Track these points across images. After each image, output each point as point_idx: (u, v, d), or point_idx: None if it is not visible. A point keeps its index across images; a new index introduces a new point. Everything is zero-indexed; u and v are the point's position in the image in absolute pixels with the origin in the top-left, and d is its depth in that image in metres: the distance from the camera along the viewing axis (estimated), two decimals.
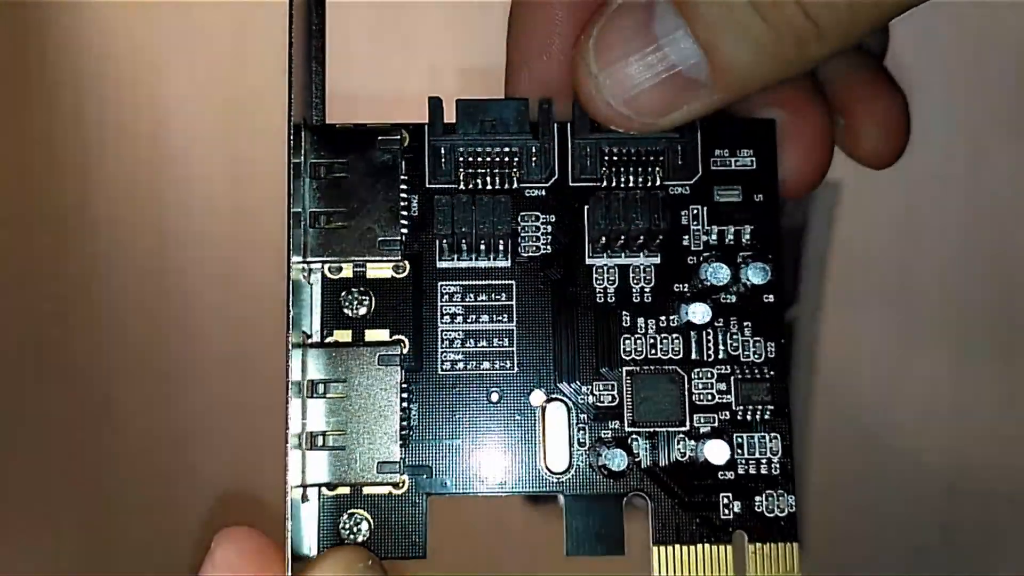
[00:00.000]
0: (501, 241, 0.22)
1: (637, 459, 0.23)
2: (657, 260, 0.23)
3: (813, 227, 0.43)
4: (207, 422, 0.44)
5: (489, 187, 0.23)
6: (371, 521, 0.23)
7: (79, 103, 0.41)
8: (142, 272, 0.43)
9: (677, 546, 0.23)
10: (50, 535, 0.45)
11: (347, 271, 0.22)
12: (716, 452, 0.22)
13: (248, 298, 0.43)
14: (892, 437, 0.46)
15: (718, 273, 0.22)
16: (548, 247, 0.23)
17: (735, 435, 0.23)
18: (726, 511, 0.23)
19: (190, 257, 0.43)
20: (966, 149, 0.43)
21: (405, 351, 0.22)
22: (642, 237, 0.22)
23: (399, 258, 0.22)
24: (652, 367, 0.23)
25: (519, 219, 0.23)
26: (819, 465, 0.46)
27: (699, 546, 0.23)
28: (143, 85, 0.41)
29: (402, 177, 0.22)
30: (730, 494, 0.23)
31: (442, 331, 0.22)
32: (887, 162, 0.26)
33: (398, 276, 0.22)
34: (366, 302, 0.22)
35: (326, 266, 0.22)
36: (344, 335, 0.22)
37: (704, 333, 0.23)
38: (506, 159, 0.22)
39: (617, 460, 0.22)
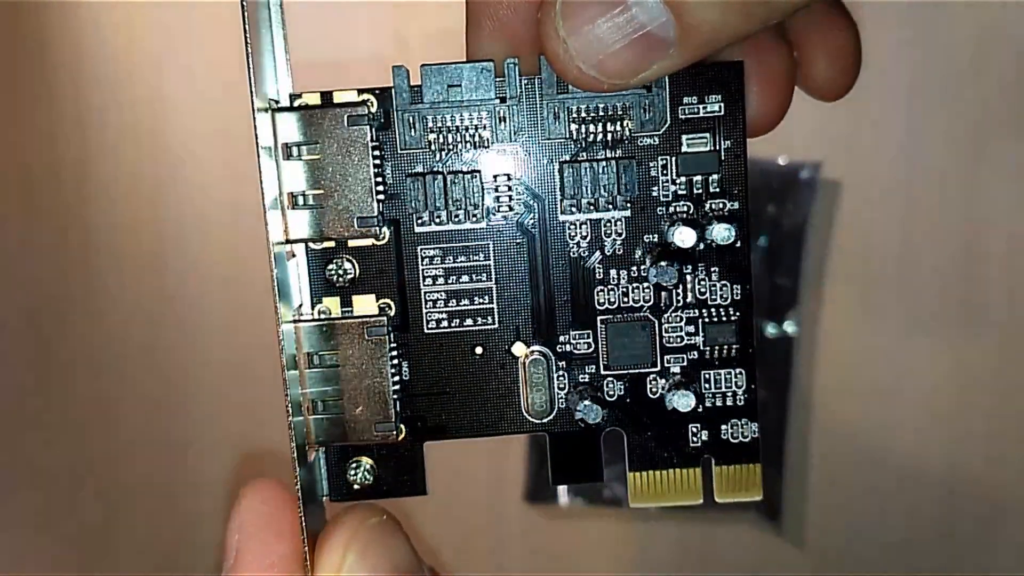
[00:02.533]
0: (474, 205, 0.23)
1: (612, 399, 0.24)
2: (628, 213, 0.24)
3: (813, 227, 0.43)
4: (207, 422, 0.44)
5: (459, 151, 0.23)
6: (374, 466, 0.24)
7: (79, 103, 0.41)
8: (142, 271, 0.43)
9: (650, 471, 0.25)
10: (51, 535, 0.45)
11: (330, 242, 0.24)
12: (683, 402, 0.24)
13: (248, 297, 0.43)
14: (892, 436, 0.46)
15: (684, 237, 0.23)
16: (521, 207, 0.24)
17: (703, 372, 0.24)
18: (695, 439, 0.24)
19: (190, 256, 0.43)
20: (966, 149, 0.43)
21: (392, 314, 0.23)
22: (613, 201, 0.24)
23: (377, 231, 0.23)
24: (624, 315, 0.24)
25: (493, 179, 0.23)
26: (819, 464, 0.46)
27: (670, 471, 0.25)
28: (143, 84, 0.41)
29: (372, 146, 0.23)
30: (698, 425, 0.24)
31: (425, 293, 0.24)
32: (838, 94, 0.27)
33: (379, 243, 0.23)
34: (351, 271, 0.23)
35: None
36: (333, 302, 0.24)
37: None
38: (474, 123, 0.23)
39: (592, 414, 0.24)
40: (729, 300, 0.24)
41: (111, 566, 0.44)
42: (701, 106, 0.24)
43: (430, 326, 0.24)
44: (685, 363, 0.24)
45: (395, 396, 0.23)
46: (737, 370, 0.24)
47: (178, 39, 0.41)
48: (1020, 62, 0.42)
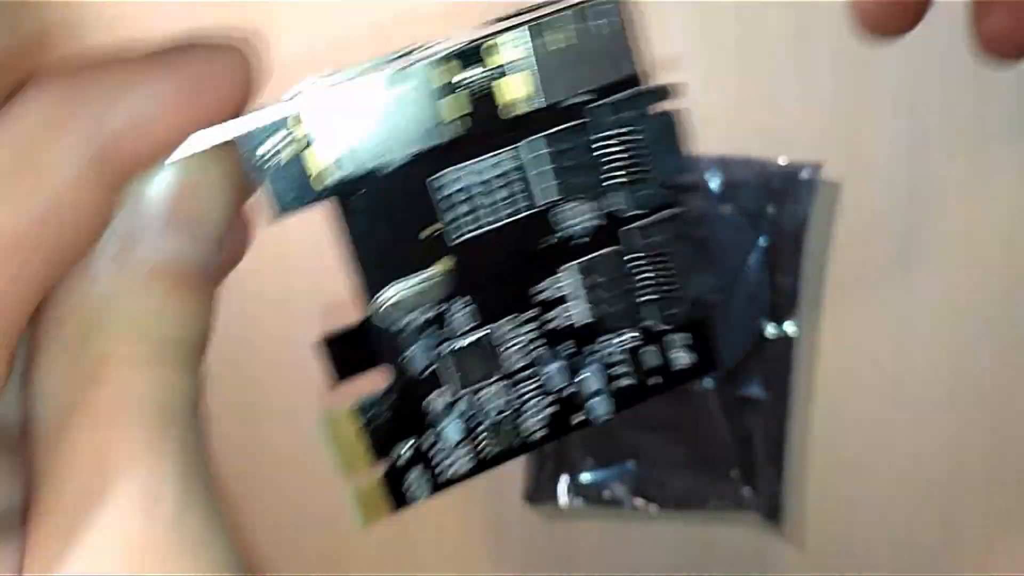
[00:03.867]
0: None
1: None
2: None
3: (813, 227, 0.43)
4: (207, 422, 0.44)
5: None
6: None
7: None
8: None
9: None
10: None
11: None
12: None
13: (247, 297, 0.43)
14: (892, 436, 0.46)
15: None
16: None
17: None
18: None
19: None
20: (967, 149, 0.43)
21: None
22: None
23: None
24: None
25: None
26: (819, 464, 0.46)
27: None
28: None
29: None
30: None
31: None
32: (1019, 51, 0.24)
33: None
34: None
35: None
36: None
37: None
38: None
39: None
40: None
41: None
42: None
43: None
44: None
45: None
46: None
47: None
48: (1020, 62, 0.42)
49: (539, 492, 0.46)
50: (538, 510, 0.46)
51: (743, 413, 0.45)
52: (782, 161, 0.43)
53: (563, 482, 0.46)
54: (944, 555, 0.46)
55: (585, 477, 0.46)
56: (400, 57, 0.21)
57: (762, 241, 0.44)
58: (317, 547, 0.46)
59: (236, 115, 0.20)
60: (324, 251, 0.22)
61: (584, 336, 0.23)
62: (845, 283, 0.44)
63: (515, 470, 0.46)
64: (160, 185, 0.17)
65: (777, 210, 0.43)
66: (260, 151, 0.20)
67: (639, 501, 0.46)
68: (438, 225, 0.22)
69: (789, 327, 0.44)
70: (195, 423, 0.17)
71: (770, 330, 0.44)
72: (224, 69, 0.20)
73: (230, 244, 0.20)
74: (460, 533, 0.46)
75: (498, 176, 0.22)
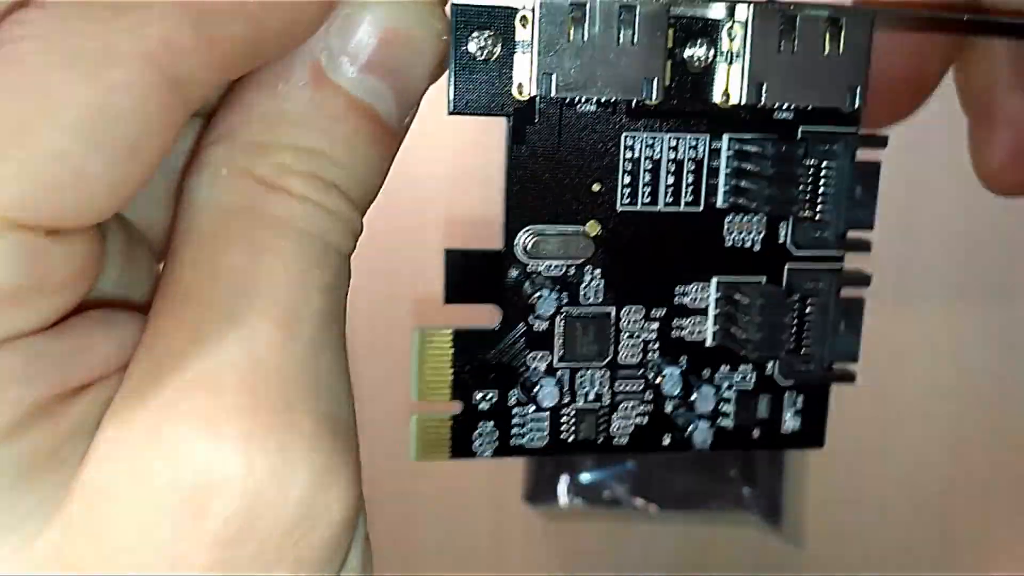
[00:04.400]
0: None
1: None
2: None
3: None
4: None
5: None
6: None
7: None
8: None
9: None
10: None
11: None
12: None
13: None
14: (892, 436, 0.46)
15: None
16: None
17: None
18: None
19: None
20: (967, 149, 0.43)
21: None
22: None
23: None
24: None
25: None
26: (819, 464, 0.46)
27: None
28: None
29: None
30: None
31: None
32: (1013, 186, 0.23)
33: None
34: None
35: None
36: None
37: None
38: None
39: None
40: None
41: None
42: None
43: None
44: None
45: None
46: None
47: None
48: None
49: (539, 492, 0.46)
50: (538, 510, 0.46)
51: None
52: None
53: (563, 482, 0.46)
54: (944, 555, 0.46)
55: (585, 477, 0.46)
56: None
57: None
58: None
59: None
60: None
61: (703, 357, 0.22)
62: None
63: (515, 470, 0.46)
64: (374, 21, 0.16)
65: None
66: (472, 36, 0.19)
67: (639, 501, 0.46)
68: (611, 183, 0.21)
69: None
70: (345, 270, 0.16)
71: None
72: None
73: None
74: (460, 533, 0.46)
75: (691, 159, 0.21)
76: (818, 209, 0.21)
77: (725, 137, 0.21)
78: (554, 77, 0.19)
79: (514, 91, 0.20)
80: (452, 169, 0.42)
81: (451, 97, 0.19)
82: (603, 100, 0.20)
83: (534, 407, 0.21)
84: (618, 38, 0.19)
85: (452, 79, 0.19)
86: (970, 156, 0.24)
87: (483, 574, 0.47)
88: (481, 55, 0.19)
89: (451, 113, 0.19)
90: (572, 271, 0.21)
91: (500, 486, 0.46)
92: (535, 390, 0.21)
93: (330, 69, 0.16)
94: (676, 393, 0.22)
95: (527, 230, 0.20)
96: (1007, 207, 0.43)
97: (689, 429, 0.22)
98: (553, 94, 0.19)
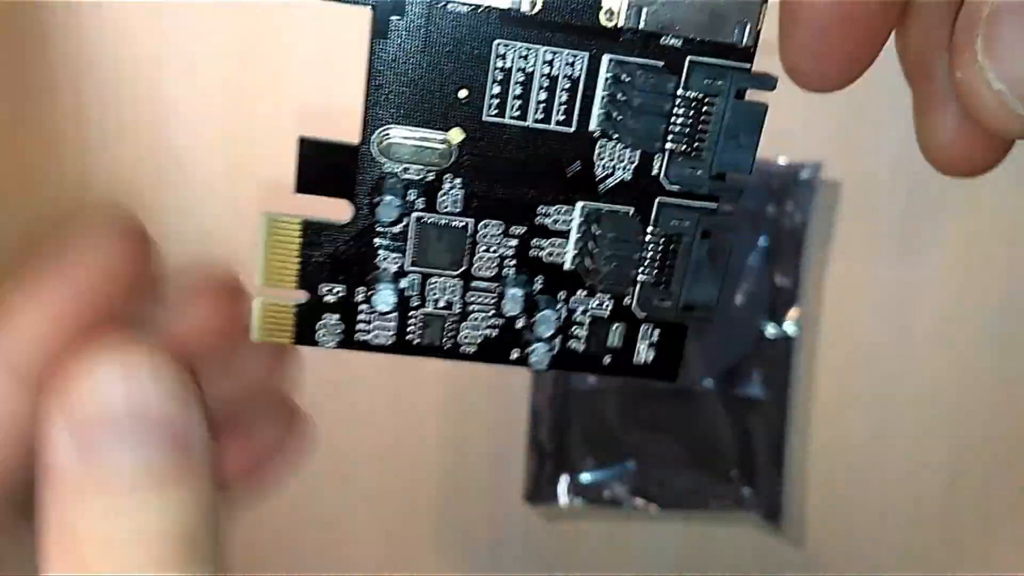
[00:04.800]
0: None
1: None
2: None
3: (813, 227, 0.43)
4: None
5: None
6: None
7: (79, 103, 0.41)
8: None
9: None
10: None
11: None
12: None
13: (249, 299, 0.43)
14: (892, 437, 0.46)
15: None
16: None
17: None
18: None
19: (190, 256, 0.43)
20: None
21: None
22: None
23: None
24: None
25: None
26: (818, 464, 0.46)
27: None
28: (143, 84, 0.41)
29: None
30: None
31: None
32: (971, 169, 0.22)
33: None
34: None
35: None
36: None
37: None
38: None
39: None
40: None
41: None
42: None
43: None
44: None
45: None
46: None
47: (178, 39, 0.41)
48: None
49: (539, 492, 0.46)
50: (538, 510, 0.46)
51: (743, 413, 0.45)
52: (782, 161, 0.43)
53: (563, 482, 0.46)
54: (944, 555, 0.46)
55: (585, 477, 0.46)
56: None
57: (762, 241, 0.44)
58: (317, 547, 0.46)
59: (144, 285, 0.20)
60: None
61: (560, 279, 0.21)
62: (845, 283, 0.44)
63: (515, 470, 0.46)
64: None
65: (777, 210, 0.43)
66: None
67: (639, 501, 0.46)
68: (479, 91, 0.20)
69: (789, 327, 0.44)
70: None
71: (770, 330, 0.44)
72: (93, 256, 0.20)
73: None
74: (460, 533, 0.46)
75: (566, 77, 0.20)
76: (695, 146, 0.20)
77: (605, 58, 0.20)
78: None
79: None
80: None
81: None
82: (473, 2, 0.19)
83: (374, 306, 0.21)
84: None
85: None
86: (915, 132, 0.22)
87: (483, 574, 0.47)
88: None
89: None
90: (431, 176, 0.20)
91: (500, 486, 0.46)
92: (372, 294, 0.21)
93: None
94: (516, 313, 0.21)
95: (385, 129, 0.20)
96: (1009, 206, 0.43)
97: (529, 348, 0.22)
98: None
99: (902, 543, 0.46)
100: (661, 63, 0.20)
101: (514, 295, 0.21)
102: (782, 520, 0.46)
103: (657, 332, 0.22)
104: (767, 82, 0.20)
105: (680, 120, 0.20)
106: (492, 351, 0.22)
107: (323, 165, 0.20)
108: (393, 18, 0.19)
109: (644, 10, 0.19)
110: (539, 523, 0.46)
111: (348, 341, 0.21)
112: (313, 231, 0.20)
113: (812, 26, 0.20)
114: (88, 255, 0.20)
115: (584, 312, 0.22)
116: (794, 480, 0.46)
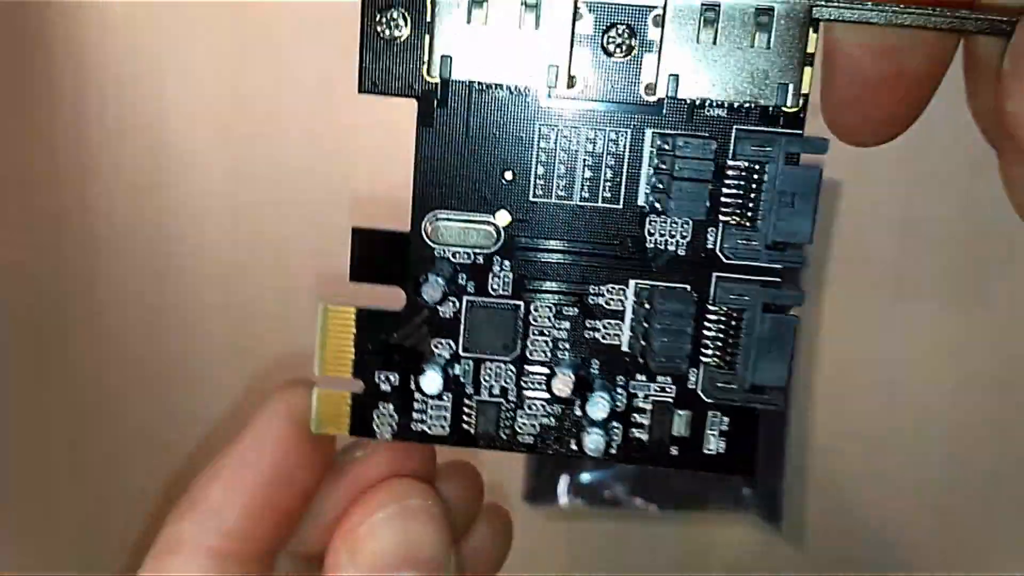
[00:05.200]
0: None
1: None
2: None
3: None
4: (207, 421, 0.44)
5: None
6: None
7: (79, 103, 0.41)
8: (142, 272, 0.43)
9: None
10: (50, 535, 0.45)
11: None
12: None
13: (248, 298, 0.43)
14: (892, 437, 0.46)
15: None
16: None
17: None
18: None
19: (190, 257, 0.43)
20: (967, 149, 0.43)
21: None
22: None
23: None
24: None
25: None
26: (819, 463, 0.46)
27: None
28: (143, 84, 0.41)
29: None
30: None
31: None
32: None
33: None
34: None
35: None
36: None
37: None
38: None
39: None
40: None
41: (110, 567, 0.44)
42: None
43: None
44: None
45: None
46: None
47: (178, 39, 0.41)
48: None
49: (539, 492, 0.46)
50: (538, 510, 0.46)
51: None
52: None
53: (563, 482, 0.46)
54: (944, 555, 0.46)
55: (585, 477, 0.46)
56: None
57: None
58: None
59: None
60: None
61: (618, 362, 0.21)
62: (845, 283, 0.44)
63: (515, 470, 0.46)
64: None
65: None
66: (381, 14, 0.18)
67: (639, 501, 0.46)
68: (524, 173, 0.20)
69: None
70: None
71: None
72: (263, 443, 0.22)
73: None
74: None
75: (610, 154, 0.19)
76: (748, 216, 0.19)
77: (648, 132, 0.19)
78: (459, 62, 0.19)
79: (424, 72, 0.19)
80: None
81: (359, 76, 0.19)
82: (512, 87, 0.19)
83: (424, 391, 0.21)
84: (530, 20, 0.18)
85: (361, 57, 0.19)
86: (1006, 190, 0.23)
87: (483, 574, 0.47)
88: (388, 34, 0.19)
89: (360, 92, 0.19)
90: (480, 259, 0.20)
91: (500, 486, 0.46)
92: (420, 375, 0.21)
93: None
94: (572, 398, 0.21)
95: (433, 215, 0.20)
96: (1009, 205, 0.43)
97: (585, 435, 0.21)
98: (456, 77, 0.19)
99: (902, 543, 0.46)
100: (706, 134, 0.19)
101: (568, 380, 0.21)
102: (782, 520, 0.46)
103: (727, 420, 0.21)
104: (819, 146, 0.19)
105: (732, 191, 0.19)
106: (550, 441, 0.21)
107: (376, 253, 0.20)
108: (437, 109, 0.19)
109: (682, 79, 0.19)
110: (539, 523, 0.46)
111: (405, 431, 0.21)
112: (367, 320, 0.21)
113: (857, 81, 0.20)
114: (266, 451, 0.22)
115: (646, 398, 0.21)
116: (793, 480, 0.46)
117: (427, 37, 0.19)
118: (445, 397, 0.21)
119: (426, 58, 0.19)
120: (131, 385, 0.44)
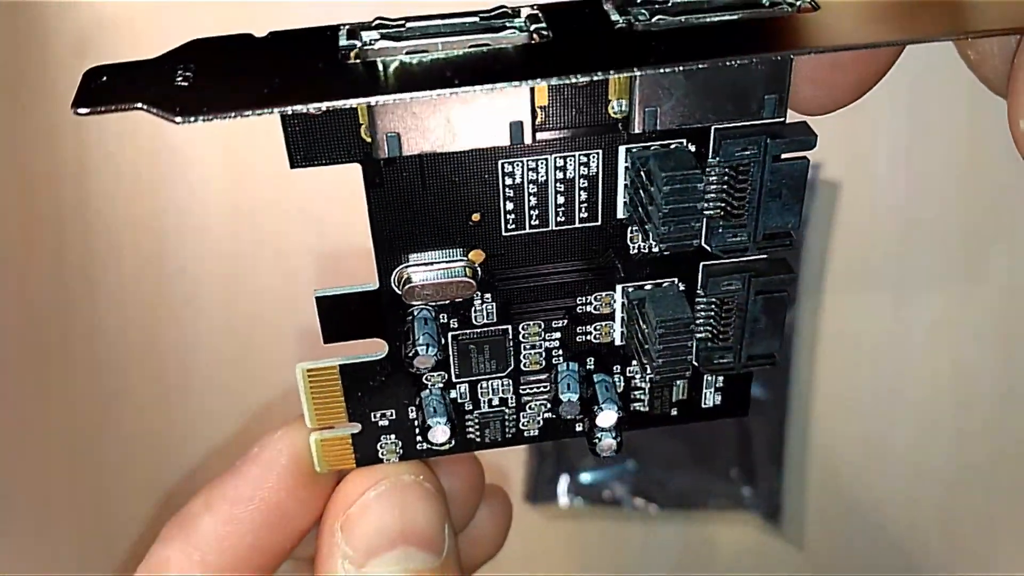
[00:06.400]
0: None
1: None
2: None
3: (813, 227, 0.43)
4: (207, 422, 0.44)
5: None
6: None
7: None
8: (142, 272, 0.43)
9: None
10: (50, 535, 0.45)
11: None
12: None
13: (248, 298, 0.43)
14: (892, 437, 0.46)
15: None
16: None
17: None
18: None
19: (190, 257, 0.43)
20: (967, 149, 0.43)
21: None
22: None
23: None
24: None
25: None
26: (819, 463, 0.46)
27: None
28: None
29: None
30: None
31: None
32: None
33: None
34: None
35: None
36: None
37: None
38: None
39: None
40: None
41: (110, 567, 0.44)
42: None
43: None
44: None
45: None
46: None
47: (178, 39, 0.41)
48: None
49: (539, 492, 0.46)
50: (538, 510, 0.46)
51: None
52: None
53: (563, 482, 0.46)
54: (944, 555, 0.46)
55: (585, 477, 0.46)
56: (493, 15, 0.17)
57: None
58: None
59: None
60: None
61: (612, 355, 0.21)
62: (845, 283, 0.44)
63: (515, 470, 0.46)
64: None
65: None
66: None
67: (639, 501, 0.46)
68: (493, 212, 0.19)
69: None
70: None
71: None
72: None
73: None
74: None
75: (582, 176, 0.19)
76: (735, 214, 0.18)
77: (621, 150, 0.18)
78: (402, 137, 0.17)
79: (362, 134, 0.17)
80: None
81: (289, 152, 0.17)
82: (470, 148, 0.17)
83: (428, 419, 0.21)
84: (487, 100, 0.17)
85: (285, 133, 0.17)
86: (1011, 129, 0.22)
87: (483, 574, 0.47)
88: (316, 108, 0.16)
89: (292, 167, 0.17)
90: (460, 303, 0.20)
91: (500, 486, 0.46)
92: (427, 432, 0.21)
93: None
94: (573, 396, 0.21)
95: (401, 267, 0.19)
96: (1006, 203, 0.43)
97: (595, 412, 0.21)
98: (405, 154, 0.17)
99: (902, 543, 0.46)
100: (683, 140, 0.18)
101: (574, 405, 0.21)
102: (781, 520, 0.46)
103: (721, 379, 0.22)
104: (806, 142, 0.18)
105: (714, 192, 0.18)
106: (557, 429, 0.22)
107: (346, 314, 0.20)
108: (385, 168, 0.18)
109: (659, 111, 0.17)
110: (539, 523, 0.46)
111: (411, 453, 0.22)
112: (351, 372, 0.20)
113: (818, 60, 0.20)
114: (261, 488, 0.22)
115: (643, 379, 0.21)
116: (793, 480, 0.46)
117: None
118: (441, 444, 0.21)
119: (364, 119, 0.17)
120: (131, 385, 0.44)
